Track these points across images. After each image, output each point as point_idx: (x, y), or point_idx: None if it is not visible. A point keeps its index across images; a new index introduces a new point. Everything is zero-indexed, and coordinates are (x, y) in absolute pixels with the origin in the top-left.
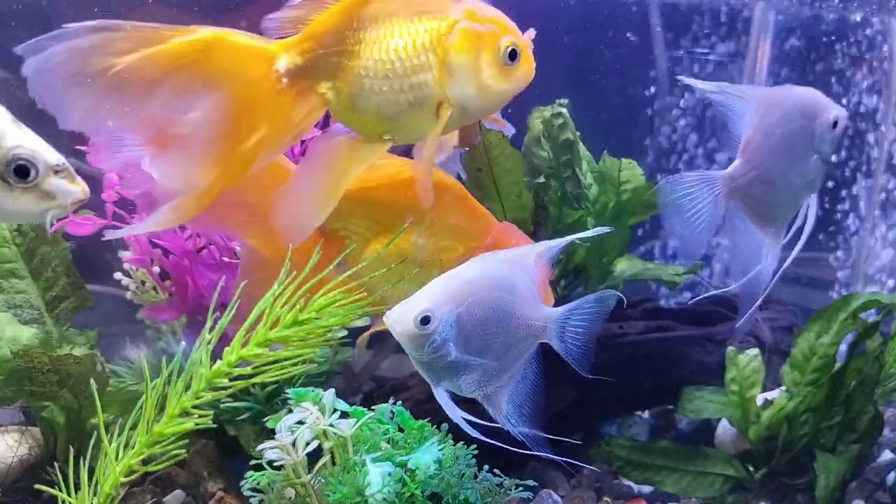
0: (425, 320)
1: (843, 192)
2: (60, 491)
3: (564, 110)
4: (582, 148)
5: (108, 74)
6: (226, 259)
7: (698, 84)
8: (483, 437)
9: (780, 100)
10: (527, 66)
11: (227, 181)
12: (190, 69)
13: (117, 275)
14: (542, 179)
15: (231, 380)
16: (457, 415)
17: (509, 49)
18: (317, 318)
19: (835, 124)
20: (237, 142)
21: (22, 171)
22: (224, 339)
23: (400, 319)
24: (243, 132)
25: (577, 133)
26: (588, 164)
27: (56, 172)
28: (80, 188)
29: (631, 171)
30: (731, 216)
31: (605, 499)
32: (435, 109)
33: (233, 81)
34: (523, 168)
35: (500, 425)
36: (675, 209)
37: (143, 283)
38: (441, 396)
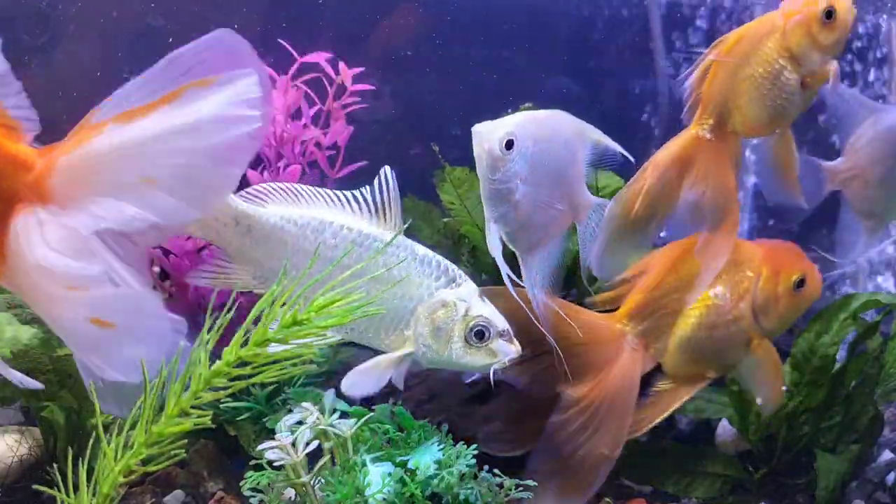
0: (509, 144)
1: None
2: (60, 491)
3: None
4: None
5: None
6: None
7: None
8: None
9: (884, 115)
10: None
11: None
12: None
13: None
14: None
15: (230, 380)
16: (499, 256)
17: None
18: (316, 318)
19: None
20: None
21: (479, 334)
22: (224, 339)
23: (488, 136)
24: None
25: None
26: None
27: (501, 336)
28: (515, 348)
29: (609, 178)
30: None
31: (606, 499)
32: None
33: None
34: None
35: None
36: None
37: None
38: (492, 234)
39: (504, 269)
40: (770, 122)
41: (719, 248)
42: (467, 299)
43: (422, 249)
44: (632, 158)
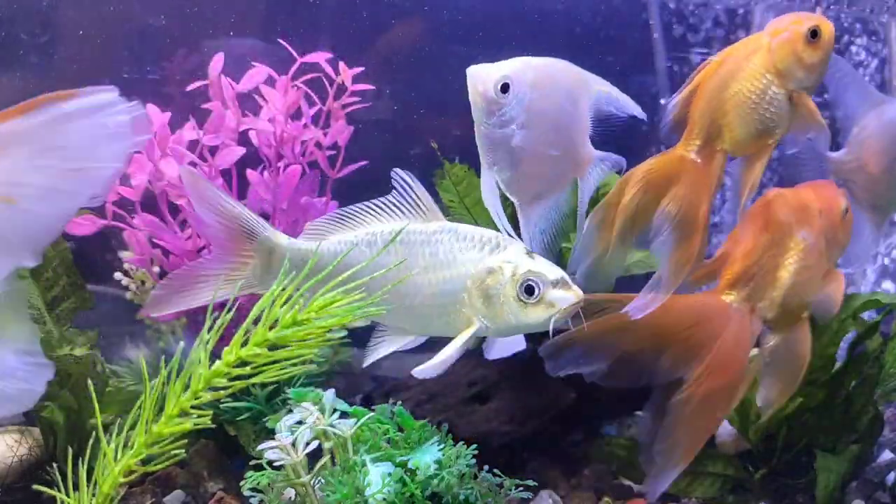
0: (504, 88)
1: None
2: (59, 491)
3: None
4: None
5: None
6: None
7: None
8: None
9: (889, 107)
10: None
11: None
12: None
13: (117, 275)
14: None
15: (230, 380)
16: (496, 204)
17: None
18: (316, 319)
19: None
20: None
21: (529, 289)
22: (224, 339)
23: (483, 78)
24: None
25: None
26: None
27: (554, 285)
28: (573, 294)
29: (608, 177)
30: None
31: (605, 499)
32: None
33: None
34: None
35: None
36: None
37: (142, 283)
38: (487, 180)
39: (502, 220)
40: (758, 138)
41: (674, 270)
42: (513, 259)
43: (463, 227)
44: (643, 116)
